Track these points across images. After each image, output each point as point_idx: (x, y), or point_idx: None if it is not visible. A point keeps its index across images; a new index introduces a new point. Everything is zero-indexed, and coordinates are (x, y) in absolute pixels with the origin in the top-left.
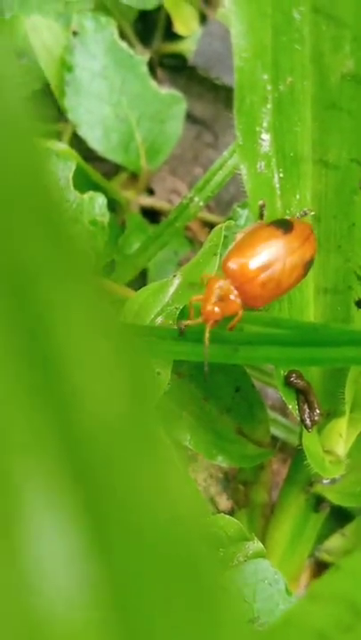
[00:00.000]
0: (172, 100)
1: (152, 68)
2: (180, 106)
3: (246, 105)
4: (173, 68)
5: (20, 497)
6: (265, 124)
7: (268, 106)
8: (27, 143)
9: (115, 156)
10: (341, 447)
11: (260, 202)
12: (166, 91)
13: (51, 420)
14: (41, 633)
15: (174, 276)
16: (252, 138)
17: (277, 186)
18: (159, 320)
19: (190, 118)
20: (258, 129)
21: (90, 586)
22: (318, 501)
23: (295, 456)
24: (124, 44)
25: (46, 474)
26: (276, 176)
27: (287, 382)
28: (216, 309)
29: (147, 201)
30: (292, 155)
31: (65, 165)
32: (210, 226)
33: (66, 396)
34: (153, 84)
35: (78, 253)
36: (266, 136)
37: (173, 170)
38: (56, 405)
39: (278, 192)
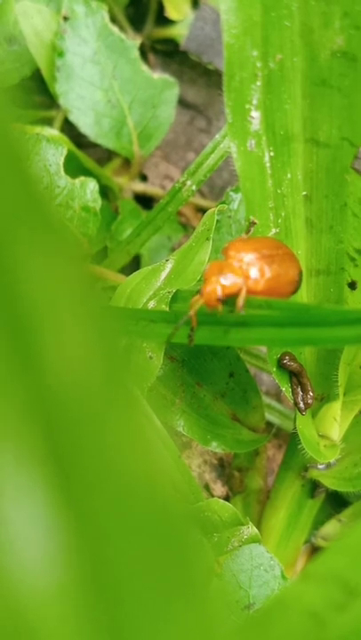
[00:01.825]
0: (164, 85)
1: (144, 53)
2: (173, 90)
3: (236, 82)
4: (165, 52)
5: None
6: (255, 102)
7: (258, 83)
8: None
9: (106, 142)
10: (336, 431)
11: (252, 219)
12: (158, 75)
13: (20, 380)
14: (16, 600)
15: (167, 260)
16: (242, 115)
17: (268, 165)
18: (151, 304)
19: (183, 103)
20: (248, 106)
21: (62, 550)
22: (314, 487)
23: (290, 441)
24: (115, 29)
25: (18, 436)
26: (266, 155)
27: (280, 364)
28: (217, 290)
29: (139, 187)
30: (282, 133)
31: (56, 151)
32: (203, 211)
33: (36, 355)
34: (145, 68)
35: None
36: (256, 114)
37: (166, 155)
38: (25, 364)
39: (269, 171)
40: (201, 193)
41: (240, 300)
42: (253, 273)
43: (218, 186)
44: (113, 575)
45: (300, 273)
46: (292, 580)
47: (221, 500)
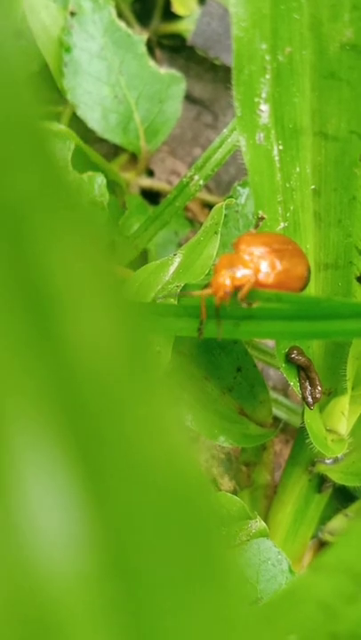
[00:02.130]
0: (171, 80)
1: (151, 48)
2: (180, 86)
3: (245, 75)
4: (172, 48)
5: (12, 442)
6: (264, 95)
7: (267, 76)
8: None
9: (113, 137)
10: (344, 426)
11: (260, 213)
12: (165, 71)
13: (45, 363)
14: (36, 585)
15: (175, 254)
16: (251, 109)
17: (277, 158)
18: (160, 298)
19: (189, 99)
20: (257, 100)
21: (85, 535)
22: (321, 482)
23: (297, 435)
24: (122, 24)
25: (39, 419)
26: (275, 148)
27: (288, 359)
28: (227, 281)
29: (146, 182)
30: (291, 126)
31: (64, 145)
32: (210, 207)
33: (60, 338)
34: (152, 64)
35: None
36: (265, 107)
37: (173, 151)
38: (50, 347)
39: (278, 165)
40: (208, 188)
41: (243, 292)
42: (264, 266)
43: (224, 181)
44: (136, 560)
45: (309, 269)
46: (302, 573)
47: (229, 494)
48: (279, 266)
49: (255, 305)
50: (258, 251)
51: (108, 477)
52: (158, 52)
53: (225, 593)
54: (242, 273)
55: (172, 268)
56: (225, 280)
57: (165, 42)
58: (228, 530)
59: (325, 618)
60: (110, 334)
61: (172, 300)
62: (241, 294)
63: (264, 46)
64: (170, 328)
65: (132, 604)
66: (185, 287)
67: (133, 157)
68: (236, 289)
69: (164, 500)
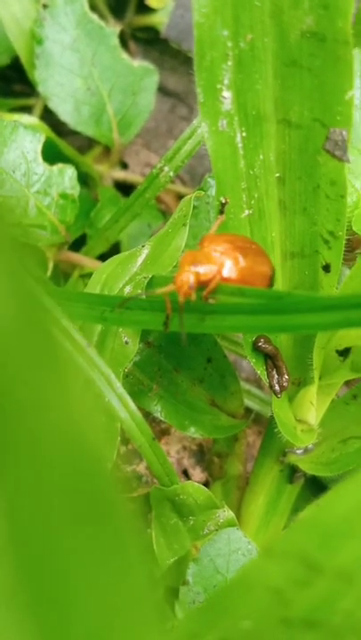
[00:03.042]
0: (144, 73)
1: (125, 41)
2: (153, 78)
3: (207, 61)
4: (146, 41)
5: None
6: (226, 82)
7: (229, 63)
8: None
9: (86, 129)
10: (313, 415)
11: (223, 199)
12: (138, 63)
13: None
14: None
15: (143, 246)
16: (214, 95)
17: (240, 145)
18: (127, 289)
19: (164, 91)
20: (219, 86)
21: None
22: (293, 472)
23: (268, 426)
24: (94, 17)
25: None
26: (238, 135)
27: (255, 347)
28: (190, 277)
29: (120, 174)
30: (254, 113)
31: (33, 138)
32: None
33: None
34: (125, 56)
35: None
36: (227, 94)
37: (147, 143)
38: None
39: (241, 152)
40: (182, 180)
41: (208, 290)
42: (228, 263)
43: (199, 173)
44: (30, 518)
45: (273, 269)
46: (254, 558)
47: (196, 483)
48: (243, 262)
49: (211, 300)
50: (221, 247)
51: (6, 445)
52: (132, 45)
53: (123, 560)
54: (205, 269)
55: (140, 260)
56: (188, 277)
57: (139, 35)
58: (196, 519)
59: (277, 603)
60: (5, 305)
61: (139, 291)
62: (206, 292)
63: (226, 33)
64: (137, 321)
65: (29, 561)
66: (152, 279)
67: (107, 150)
68: (200, 285)
69: (61, 469)
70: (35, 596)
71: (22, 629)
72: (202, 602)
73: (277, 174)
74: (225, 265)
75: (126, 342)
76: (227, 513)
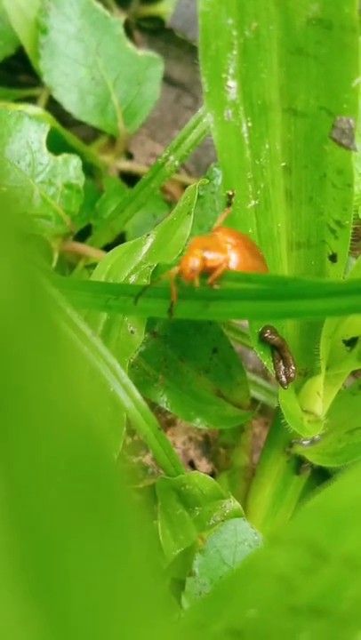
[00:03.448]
0: (149, 62)
1: (129, 31)
2: (158, 67)
3: (212, 51)
4: (151, 30)
5: None
6: (231, 71)
7: (234, 52)
8: None
9: (91, 119)
10: (320, 406)
11: (230, 191)
12: (143, 52)
13: None
14: None
15: (148, 234)
16: (219, 85)
17: (246, 135)
18: (133, 278)
19: (169, 81)
20: (224, 75)
21: None
22: (299, 463)
23: (275, 417)
24: (99, 6)
25: None
26: (244, 125)
27: (262, 338)
28: (196, 261)
29: (125, 165)
30: (259, 102)
31: (38, 128)
32: None
33: None
34: (129, 45)
35: None
36: (233, 83)
37: (152, 134)
38: None
39: (247, 141)
40: (187, 171)
41: (214, 276)
42: (236, 254)
43: (205, 164)
44: (33, 508)
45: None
46: (261, 546)
47: (202, 474)
48: (250, 258)
49: (216, 286)
50: (233, 239)
51: (8, 427)
52: (137, 35)
53: (127, 547)
54: (213, 256)
55: (144, 249)
56: (195, 260)
57: (144, 24)
58: (202, 510)
59: (284, 591)
60: (7, 289)
61: (144, 280)
62: (211, 278)
63: (230, 21)
64: (142, 309)
65: (32, 551)
66: (157, 267)
67: (112, 140)
68: (206, 271)
69: (64, 454)
70: (36, 582)
71: (24, 616)
72: (208, 592)
73: (283, 164)
74: (233, 255)
75: (132, 332)
76: (233, 503)
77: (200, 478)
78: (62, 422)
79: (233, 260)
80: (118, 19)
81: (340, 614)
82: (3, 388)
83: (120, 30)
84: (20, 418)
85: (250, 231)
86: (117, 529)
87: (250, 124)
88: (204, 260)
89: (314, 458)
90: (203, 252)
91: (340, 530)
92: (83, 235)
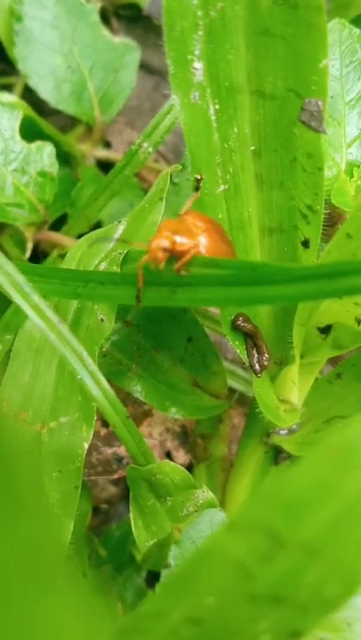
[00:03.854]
0: (125, 49)
1: (107, 18)
2: (134, 54)
3: (176, 32)
4: (129, 18)
5: None
6: (197, 52)
7: (200, 33)
8: None
9: (67, 107)
10: (296, 395)
11: (198, 175)
12: (120, 39)
13: None
14: None
15: (119, 222)
16: (185, 66)
17: (213, 118)
18: (103, 266)
19: (147, 69)
20: (190, 57)
21: None
22: (277, 453)
23: (251, 406)
24: None
25: None
26: (211, 107)
27: (234, 326)
28: (165, 243)
29: (103, 153)
30: (227, 84)
31: (11, 115)
32: None
33: None
34: (105, 32)
35: None
36: (199, 65)
37: (130, 122)
38: None
39: (215, 124)
40: (166, 159)
41: (182, 261)
42: (206, 239)
43: (184, 152)
44: None
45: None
46: (216, 532)
47: (172, 463)
48: (219, 243)
49: (183, 272)
50: (203, 224)
51: None
52: (115, 23)
53: (27, 517)
54: (183, 240)
55: (116, 235)
56: (164, 242)
57: (122, 12)
58: (174, 500)
59: (242, 578)
60: None
61: (114, 267)
62: (179, 264)
63: (195, 1)
64: (110, 296)
65: None
66: (127, 254)
67: (89, 129)
68: (174, 254)
69: None
70: None
71: None
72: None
73: (253, 147)
74: (203, 239)
75: (102, 320)
76: (206, 493)
77: (170, 467)
78: None
79: (203, 243)
80: (94, 6)
81: (300, 602)
82: None
83: (96, 17)
84: None
85: (220, 216)
86: (11, 498)
87: (217, 107)
88: (173, 242)
89: (291, 448)
90: (172, 234)
91: (298, 514)
92: (59, 224)
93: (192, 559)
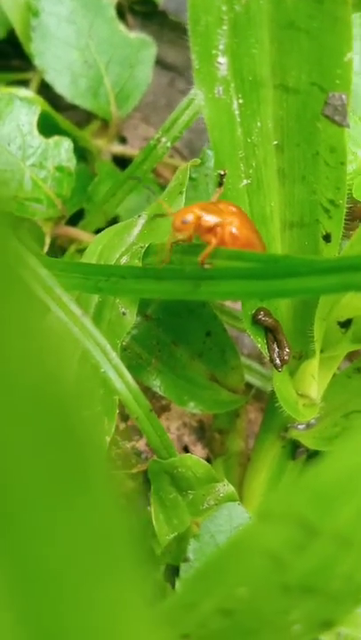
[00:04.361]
0: (141, 45)
1: (122, 14)
2: (150, 50)
3: (201, 26)
4: (144, 14)
5: None
6: (222, 47)
7: (224, 27)
8: None
9: (83, 102)
10: (315, 389)
11: (222, 171)
12: (135, 35)
13: None
14: None
15: (139, 216)
16: (209, 61)
17: (237, 112)
18: (124, 260)
19: (163, 65)
20: (214, 52)
21: None
22: (295, 448)
23: (269, 401)
24: None
25: None
26: (235, 102)
27: (255, 320)
28: (190, 217)
29: (118, 149)
30: (250, 79)
31: (29, 110)
32: None
33: None
34: (122, 28)
35: None
36: (223, 59)
37: (146, 118)
38: None
39: (238, 119)
40: (181, 155)
41: (205, 252)
42: (234, 223)
43: (198, 148)
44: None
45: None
46: (250, 522)
47: (195, 456)
48: (247, 231)
49: (207, 265)
50: (233, 209)
51: None
52: (130, 18)
53: (94, 500)
54: (210, 218)
55: (135, 230)
56: (188, 215)
57: (137, 7)
58: (196, 493)
59: (275, 569)
60: None
61: (136, 261)
62: (202, 256)
63: None
64: (133, 289)
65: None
66: (149, 248)
67: (105, 124)
68: (199, 232)
69: (29, 406)
70: None
71: None
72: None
73: (275, 142)
74: (233, 220)
75: (123, 313)
76: (227, 487)
77: (193, 461)
78: (27, 374)
79: (233, 224)
80: (110, 1)
81: (332, 592)
82: None
83: (112, 12)
84: None
85: None
86: (86, 485)
87: (241, 102)
88: (198, 217)
89: (309, 442)
90: (199, 210)
91: (331, 505)
92: (75, 219)
93: (223, 550)
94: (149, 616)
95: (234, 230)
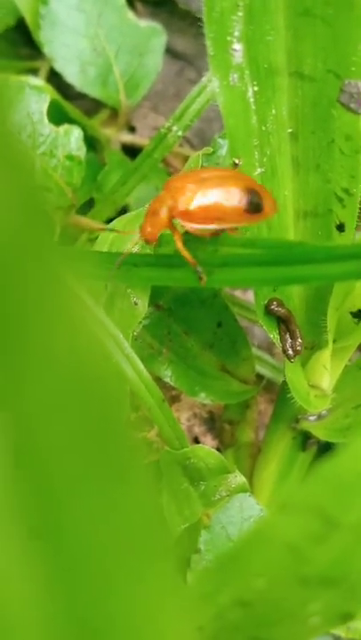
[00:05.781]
0: (151, 33)
1: (132, 2)
2: (160, 38)
3: (216, 13)
4: (154, 2)
5: None
6: (237, 34)
7: (240, 13)
8: None
9: (92, 91)
10: (327, 380)
11: (236, 160)
12: (145, 23)
13: None
14: None
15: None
16: (224, 48)
17: (252, 100)
18: (136, 248)
19: (172, 54)
20: (229, 38)
21: None
22: (305, 439)
23: (280, 392)
24: None
25: None
26: (250, 89)
27: (268, 310)
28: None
29: (127, 138)
30: (265, 66)
31: (39, 98)
32: None
33: None
34: (131, 16)
35: None
36: (238, 46)
37: (155, 106)
38: None
39: (253, 107)
40: (191, 144)
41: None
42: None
43: (209, 137)
44: (39, 457)
45: (252, 192)
46: (269, 513)
47: (207, 447)
48: (207, 204)
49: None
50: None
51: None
52: (140, 7)
53: (128, 484)
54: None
55: None
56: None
57: None
58: (208, 484)
59: (293, 560)
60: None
61: (147, 250)
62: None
63: None
64: (145, 278)
65: (34, 491)
66: (161, 236)
67: (114, 113)
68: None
69: (66, 393)
70: (38, 524)
71: (24, 557)
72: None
73: (290, 130)
74: (182, 202)
75: (135, 303)
76: (238, 478)
77: (205, 452)
78: (67, 358)
79: (184, 202)
80: None
81: (352, 584)
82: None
83: (122, 1)
84: (20, 351)
85: None
86: (122, 473)
87: (256, 89)
88: (153, 222)
89: (320, 433)
90: (148, 215)
91: (351, 496)
92: (85, 209)
93: (241, 541)
94: (184, 605)
95: (189, 207)
